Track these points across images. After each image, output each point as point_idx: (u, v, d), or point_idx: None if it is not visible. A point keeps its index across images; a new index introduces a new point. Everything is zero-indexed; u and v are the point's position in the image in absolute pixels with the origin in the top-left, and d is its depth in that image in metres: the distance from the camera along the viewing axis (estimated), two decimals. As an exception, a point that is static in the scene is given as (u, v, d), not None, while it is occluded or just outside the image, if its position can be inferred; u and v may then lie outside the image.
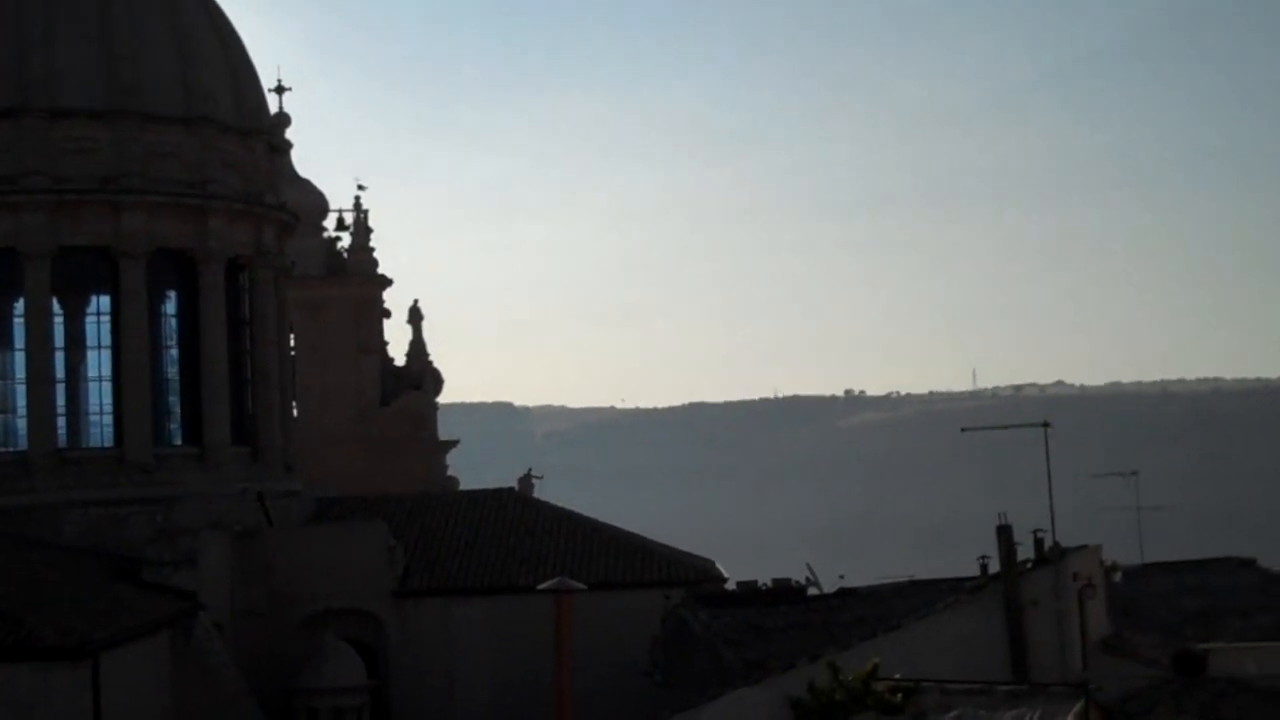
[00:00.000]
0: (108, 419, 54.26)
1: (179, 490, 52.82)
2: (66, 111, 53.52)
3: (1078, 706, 25.13)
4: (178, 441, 55.53)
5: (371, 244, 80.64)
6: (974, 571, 42.80)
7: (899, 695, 28.46)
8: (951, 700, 27.11)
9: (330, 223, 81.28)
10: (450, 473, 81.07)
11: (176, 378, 55.82)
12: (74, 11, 54.49)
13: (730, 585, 53.72)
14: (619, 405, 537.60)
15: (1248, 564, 51.06)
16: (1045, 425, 44.88)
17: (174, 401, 55.78)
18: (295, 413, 64.44)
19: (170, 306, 56.25)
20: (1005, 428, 52.93)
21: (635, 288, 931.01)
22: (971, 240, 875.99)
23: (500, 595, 53.36)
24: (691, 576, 53.63)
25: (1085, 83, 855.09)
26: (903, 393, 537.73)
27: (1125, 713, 30.62)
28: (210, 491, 53.22)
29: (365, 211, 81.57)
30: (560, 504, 60.86)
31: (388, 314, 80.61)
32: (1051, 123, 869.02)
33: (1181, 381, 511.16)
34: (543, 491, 66.99)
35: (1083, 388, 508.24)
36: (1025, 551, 37.85)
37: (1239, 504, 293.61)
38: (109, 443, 54.16)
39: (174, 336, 56.03)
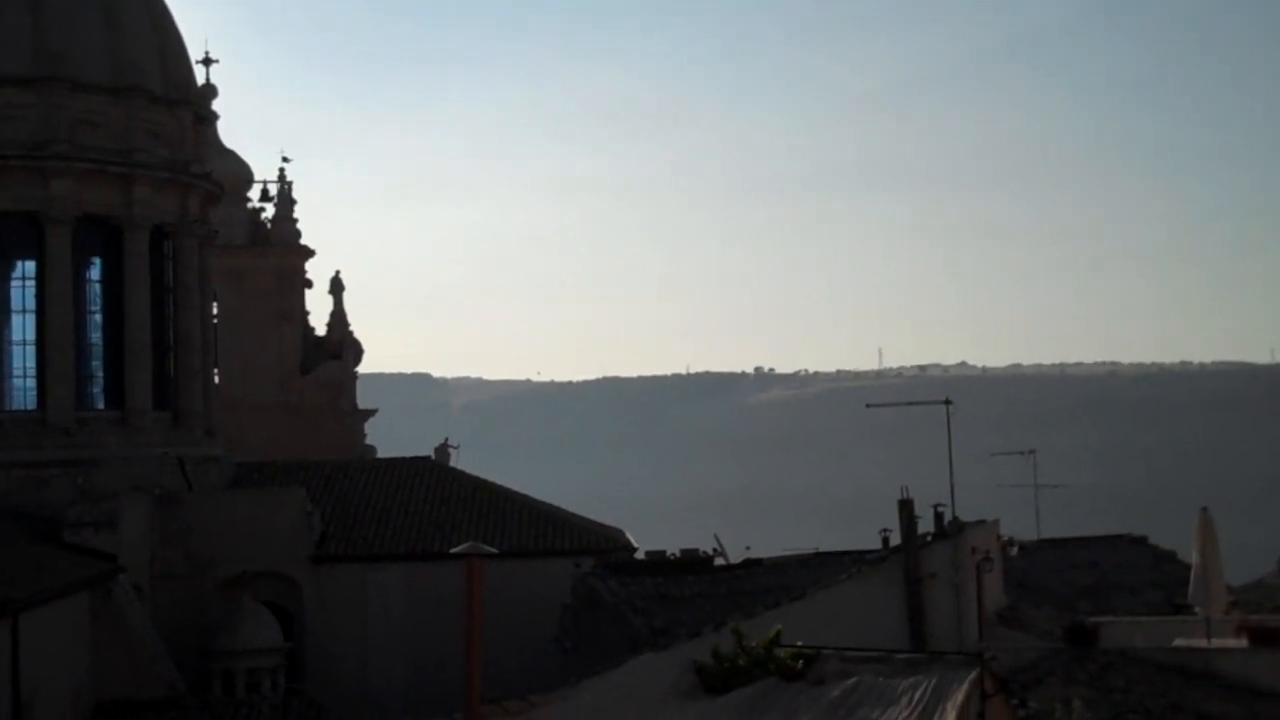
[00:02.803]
0: (31, 382, 54.39)
1: (100, 453, 53.09)
2: (-6, 78, 53.52)
3: (973, 675, 25.89)
4: (100, 405, 55.77)
5: (295, 215, 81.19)
6: (876, 544, 43.89)
7: (800, 661, 28.89)
8: (851, 667, 27.73)
9: (255, 193, 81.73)
10: (368, 441, 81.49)
11: (100, 342, 56.03)
12: (4, -21, 54.35)
13: (639, 555, 54.60)
14: (534, 378, 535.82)
15: (1139, 541, 52.77)
16: (948, 403, 46.09)
17: (97, 366, 55.99)
18: (217, 379, 64.86)
19: (95, 272, 56.40)
20: (909, 404, 53.99)
21: (552, 264, 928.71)
22: (879, 224, 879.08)
23: (415, 561, 54.07)
24: (602, 545, 54.62)
25: (999, 68, 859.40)
26: (811, 371, 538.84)
27: (1019, 682, 31.38)
28: (131, 455, 53.54)
29: (289, 183, 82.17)
30: (475, 474, 61.43)
31: (309, 284, 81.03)
32: (963, 108, 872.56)
33: (1080, 365, 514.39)
34: (459, 461, 67.35)
35: (984, 369, 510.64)
36: (926, 525, 38.94)
37: (1132, 484, 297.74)
38: (32, 405, 54.32)
39: (98, 302, 56.17)
